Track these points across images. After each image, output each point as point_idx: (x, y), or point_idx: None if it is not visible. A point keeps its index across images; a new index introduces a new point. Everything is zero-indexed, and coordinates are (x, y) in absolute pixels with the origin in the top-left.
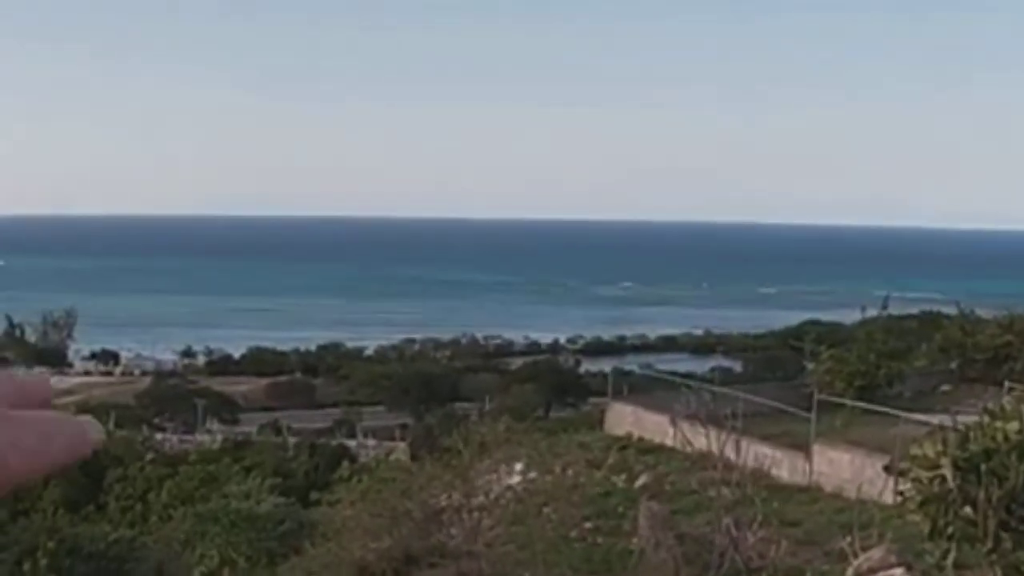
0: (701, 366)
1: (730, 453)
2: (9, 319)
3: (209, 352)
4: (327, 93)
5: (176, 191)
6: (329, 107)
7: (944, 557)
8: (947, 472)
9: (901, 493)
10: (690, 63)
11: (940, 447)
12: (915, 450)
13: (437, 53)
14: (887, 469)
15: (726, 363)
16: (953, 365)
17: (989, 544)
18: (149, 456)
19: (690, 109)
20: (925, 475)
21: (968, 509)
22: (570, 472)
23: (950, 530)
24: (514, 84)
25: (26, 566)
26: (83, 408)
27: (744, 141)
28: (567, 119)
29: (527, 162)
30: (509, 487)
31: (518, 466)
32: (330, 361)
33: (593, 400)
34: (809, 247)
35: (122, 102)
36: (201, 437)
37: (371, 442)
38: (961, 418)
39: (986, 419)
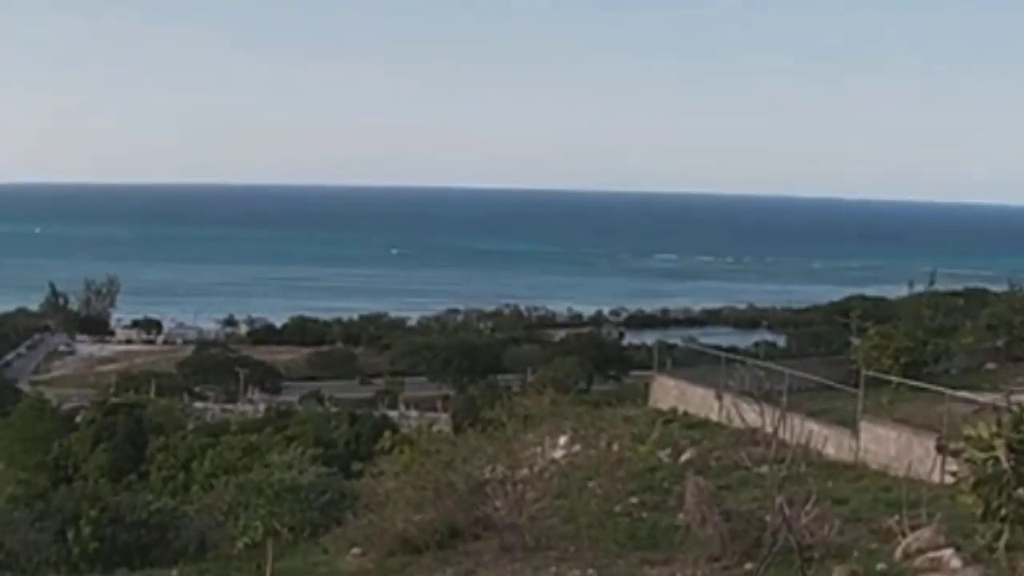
0: (745, 340)
1: (778, 429)
2: (52, 287)
3: (251, 321)
4: (359, 61)
5: (221, 161)
6: (367, 77)
7: (996, 539)
8: (1001, 453)
9: (953, 473)
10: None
11: (994, 428)
12: (968, 430)
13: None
14: (939, 449)
15: (770, 337)
16: (1000, 343)
17: None
18: (191, 425)
19: (750, 84)
20: (979, 456)
21: (1022, 491)
22: (615, 446)
23: (1003, 512)
24: (556, 57)
25: (69, 534)
26: (125, 376)
27: (787, 115)
28: (610, 92)
29: (571, 133)
30: (554, 460)
31: (563, 439)
32: (372, 331)
33: (635, 373)
34: (853, 222)
35: (163, 71)
36: (243, 406)
37: (413, 413)
38: (1013, 398)
39: None
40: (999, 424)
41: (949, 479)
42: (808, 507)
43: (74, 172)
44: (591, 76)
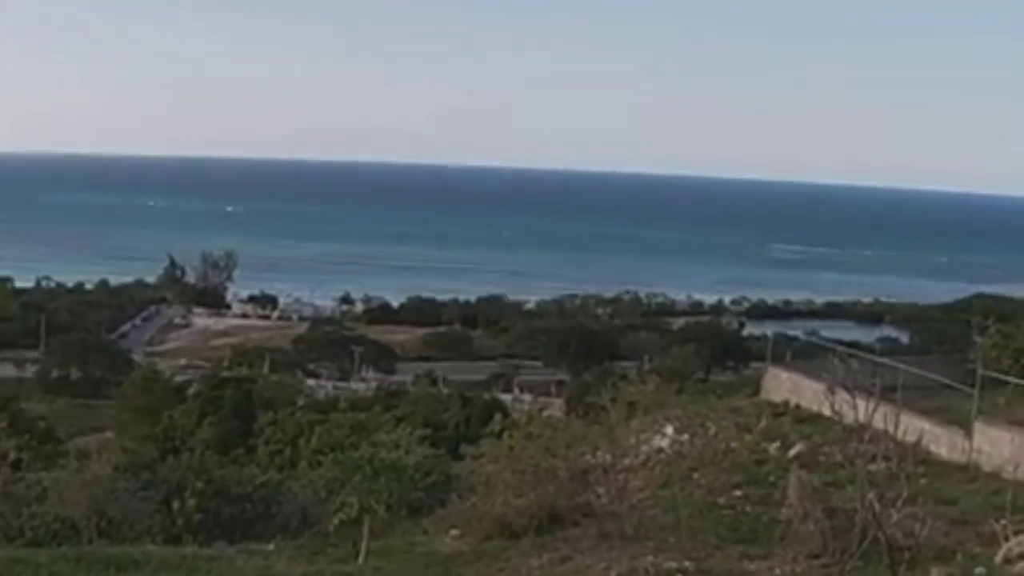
0: (867, 335)
1: (887, 426)
2: (171, 259)
3: (367, 300)
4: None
5: (343, 137)
6: (492, 60)
7: None
8: None
9: None
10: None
11: None
12: None
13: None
14: None
15: (893, 333)
16: None
17: None
18: (301, 402)
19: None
20: None
21: None
22: (722, 437)
23: None
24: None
25: (173, 504)
26: (240, 350)
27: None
28: (735, 77)
29: (690, 118)
30: (659, 449)
31: (669, 428)
32: (490, 313)
33: (755, 365)
34: (982, 217)
35: (281, 45)
36: (356, 385)
37: (527, 397)
38: None
39: None
40: None
41: None
42: (900, 504)
43: (195, 146)
44: (709, 62)
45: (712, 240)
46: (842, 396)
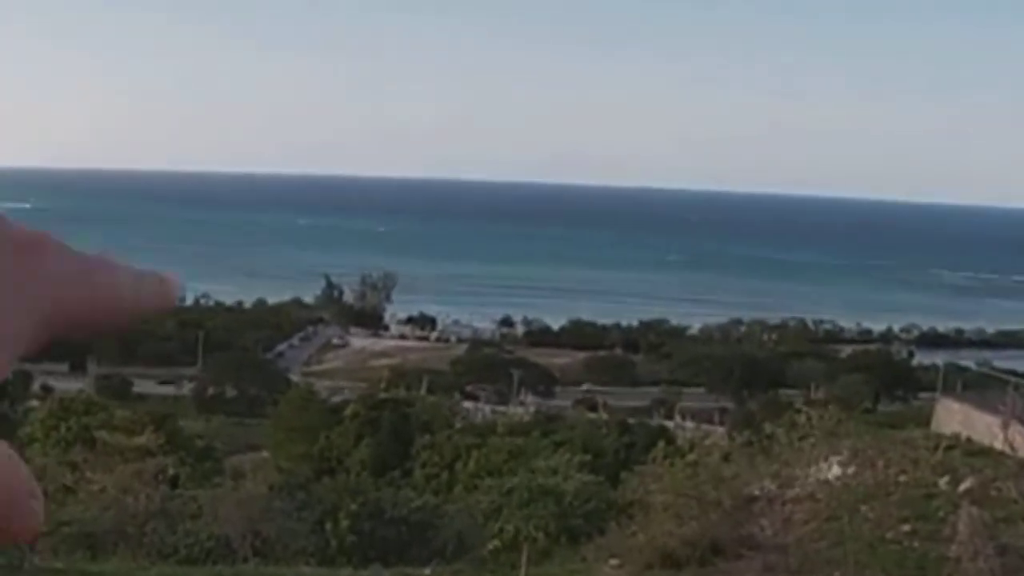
0: None
1: None
2: (328, 279)
3: (528, 322)
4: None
5: (501, 157)
6: (633, 69)
7: None
8: None
9: None
10: None
11: None
12: None
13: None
14: None
15: None
16: None
17: None
18: (458, 424)
19: None
20: None
21: None
22: (891, 471)
23: None
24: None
25: (327, 526)
26: (397, 371)
27: None
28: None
29: (870, 141)
30: (826, 481)
31: (838, 460)
32: (652, 338)
33: (925, 395)
34: None
35: (420, 64)
36: (514, 409)
37: (689, 424)
38: None
39: None
40: None
41: None
42: None
43: (349, 164)
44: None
45: (870, 264)
46: (1017, 429)
